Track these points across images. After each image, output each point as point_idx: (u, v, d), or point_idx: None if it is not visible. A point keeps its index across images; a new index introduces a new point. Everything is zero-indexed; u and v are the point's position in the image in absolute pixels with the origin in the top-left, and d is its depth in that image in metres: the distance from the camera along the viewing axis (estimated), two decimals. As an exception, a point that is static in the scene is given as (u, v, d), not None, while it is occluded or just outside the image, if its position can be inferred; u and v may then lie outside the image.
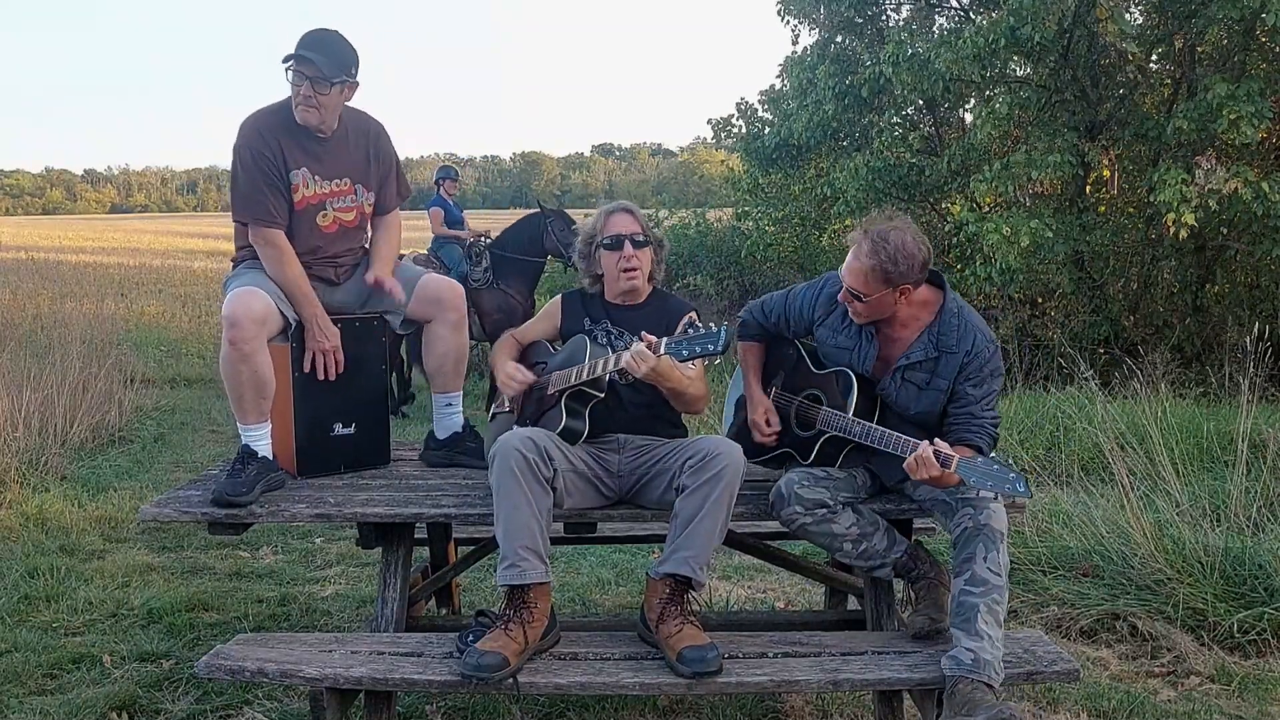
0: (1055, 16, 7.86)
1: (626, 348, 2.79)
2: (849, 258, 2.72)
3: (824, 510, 2.72)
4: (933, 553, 2.90)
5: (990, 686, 2.42)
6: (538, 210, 8.68)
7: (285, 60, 3.03)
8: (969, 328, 2.76)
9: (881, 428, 2.73)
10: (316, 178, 3.17)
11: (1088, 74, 9.04)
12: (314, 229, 3.21)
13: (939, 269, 2.91)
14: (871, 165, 9.56)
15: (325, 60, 3.02)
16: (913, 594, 2.82)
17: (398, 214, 3.46)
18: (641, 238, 3.03)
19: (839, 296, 2.79)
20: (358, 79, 3.14)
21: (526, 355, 3.21)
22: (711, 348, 2.59)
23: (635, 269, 3.01)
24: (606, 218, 3.07)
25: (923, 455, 2.53)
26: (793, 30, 11.30)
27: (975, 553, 2.56)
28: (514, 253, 8.54)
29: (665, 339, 2.66)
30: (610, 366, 2.77)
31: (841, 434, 2.80)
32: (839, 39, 11.04)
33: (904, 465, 2.60)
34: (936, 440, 2.58)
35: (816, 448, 2.86)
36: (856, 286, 2.70)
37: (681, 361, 2.67)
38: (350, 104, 3.24)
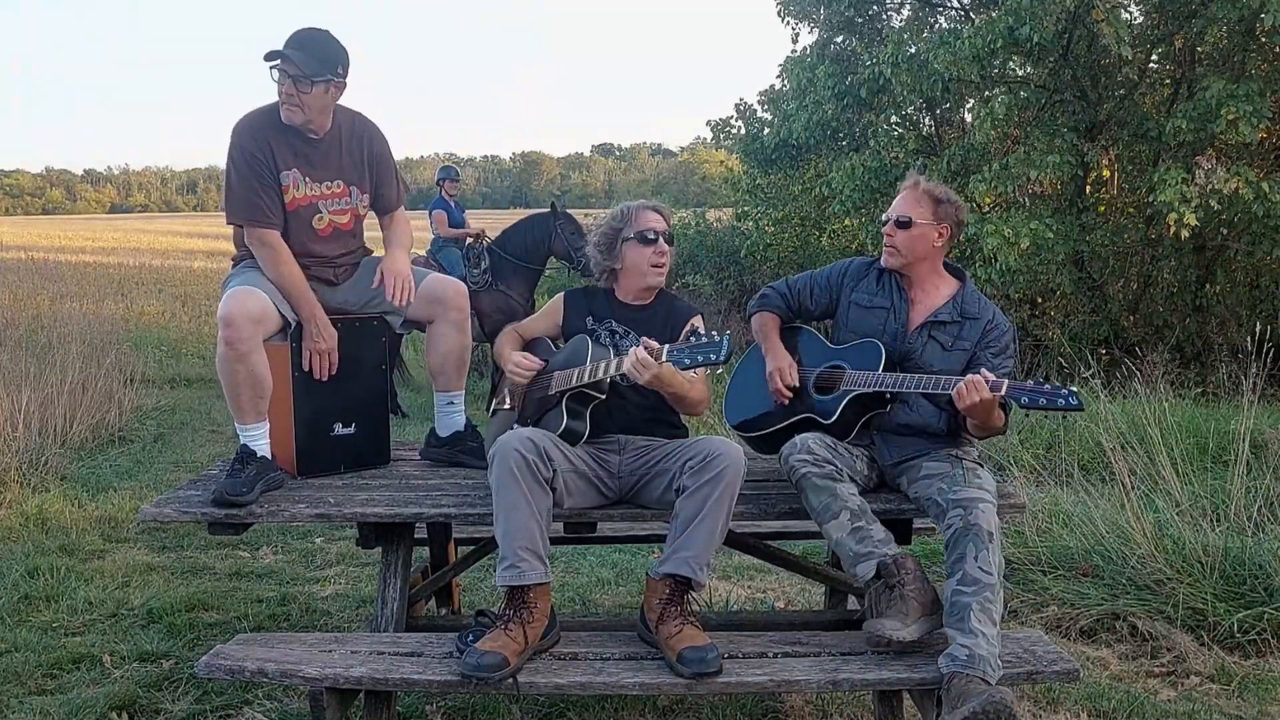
0: (1053, 17, 7.86)
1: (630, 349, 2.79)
2: (898, 198, 2.99)
3: (831, 467, 2.73)
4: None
5: (986, 682, 2.41)
6: (548, 210, 8.69)
7: (267, 58, 3.02)
8: (988, 304, 3.00)
9: (915, 374, 2.80)
10: (308, 180, 3.16)
11: (1087, 74, 9.05)
12: (309, 232, 3.20)
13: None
14: (867, 165, 9.56)
15: (307, 58, 3.00)
16: (884, 597, 2.64)
17: (404, 212, 3.44)
18: (670, 234, 3.08)
19: (884, 230, 2.98)
20: (345, 79, 3.11)
21: (528, 351, 3.21)
22: (714, 357, 2.59)
23: (663, 265, 3.05)
24: (638, 213, 3.06)
25: (973, 379, 2.65)
26: (792, 30, 11.32)
27: (966, 553, 2.56)
28: (517, 252, 8.54)
29: (668, 346, 2.66)
30: (612, 370, 2.77)
31: (872, 388, 2.83)
32: (839, 39, 11.05)
33: (954, 392, 2.67)
34: (982, 370, 2.70)
35: (841, 406, 2.87)
36: (905, 211, 2.93)
37: (683, 370, 2.67)
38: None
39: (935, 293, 2.98)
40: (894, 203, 3.00)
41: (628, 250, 3.04)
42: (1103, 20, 7.80)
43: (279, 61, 3.01)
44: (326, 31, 3.10)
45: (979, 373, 2.69)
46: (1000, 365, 2.87)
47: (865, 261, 3.12)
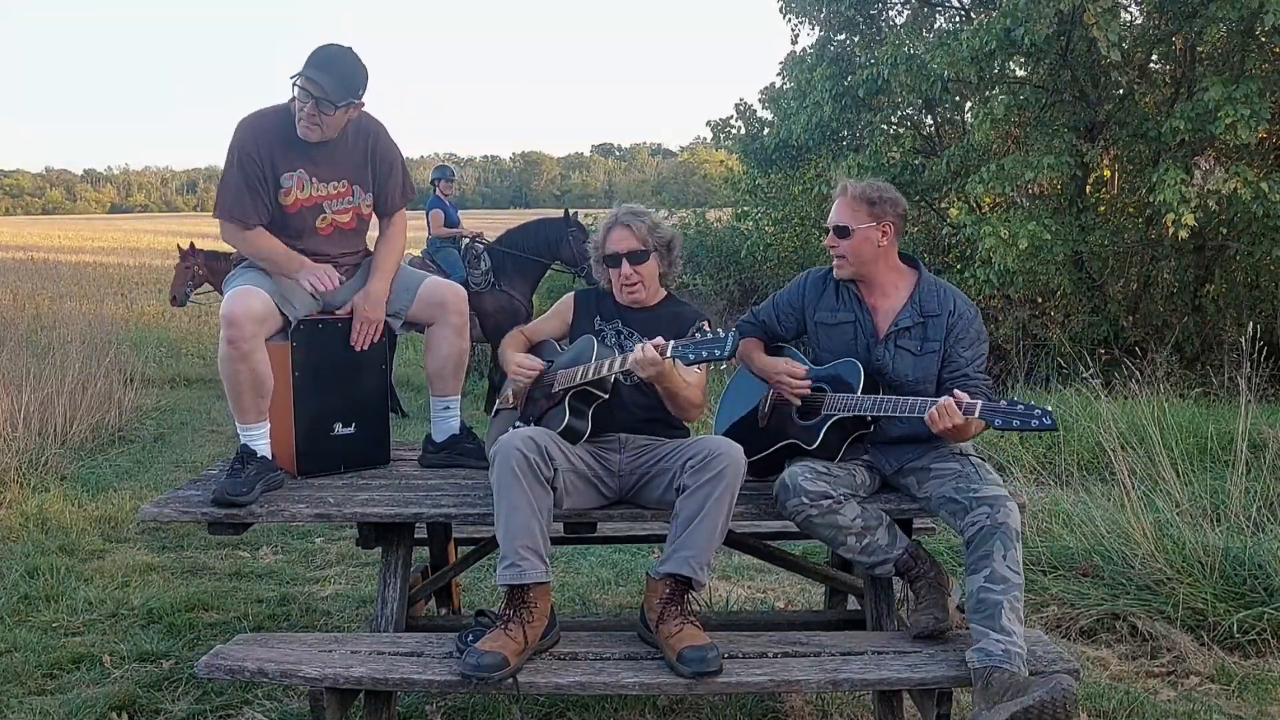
0: (1046, 19, 7.85)
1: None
2: (834, 207, 2.96)
3: (829, 501, 2.73)
4: (932, 553, 2.90)
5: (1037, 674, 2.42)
6: (560, 216, 8.71)
7: (294, 77, 3.00)
8: (948, 293, 2.94)
9: (892, 395, 2.79)
10: (313, 180, 3.17)
11: (1087, 74, 9.03)
12: (311, 233, 3.21)
13: (938, 269, 3.00)
14: (864, 165, 9.55)
15: (332, 83, 2.99)
16: (912, 594, 2.82)
17: (403, 216, 3.42)
18: (640, 250, 3.01)
19: (825, 242, 2.97)
20: (363, 100, 3.11)
21: (534, 353, 3.21)
22: (718, 352, 2.58)
23: (636, 284, 3.02)
24: (606, 232, 3.06)
25: (945, 405, 2.62)
26: (793, 28, 11.29)
27: (993, 550, 2.57)
28: (526, 252, 8.55)
29: (673, 341, 2.67)
30: (616, 368, 2.78)
31: (851, 413, 2.81)
32: (840, 37, 11.03)
33: (926, 418, 2.65)
34: (955, 391, 2.66)
35: (823, 432, 2.85)
36: (842, 219, 2.90)
37: (687, 365, 2.67)
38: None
39: (894, 293, 2.94)
40: (832, 211, 2.97)
41: (601, 267, 3.09)
42: (1094, 23, 7.80)
43: (301, 80, 2.99)
44: (351, 50, 3.06)
45: (952, 391, 2.67)
46: (974, 358, 2.87)
47: (820, 274, 3.08)
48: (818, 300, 3.03)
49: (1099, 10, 7.75)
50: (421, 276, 3.39)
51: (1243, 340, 5.18)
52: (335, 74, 3.01)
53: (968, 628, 2.58)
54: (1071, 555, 4.03)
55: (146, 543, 4.84)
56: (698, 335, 2.64)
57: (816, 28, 11.20)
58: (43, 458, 6.03)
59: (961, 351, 2.87)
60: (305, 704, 2.82)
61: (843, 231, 2.90)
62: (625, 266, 3.00)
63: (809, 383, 2.94)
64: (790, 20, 11.30)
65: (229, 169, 3.11)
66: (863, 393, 2.82)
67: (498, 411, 3.28)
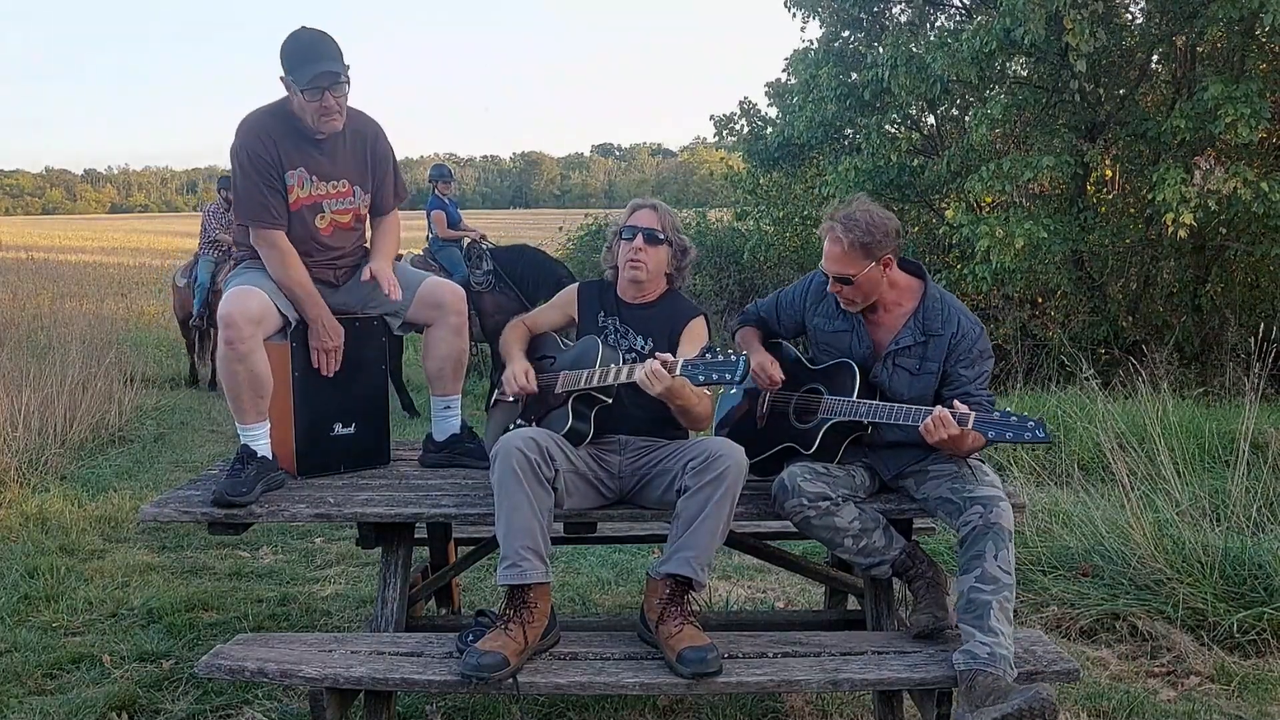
0: (1039, 19, 7.86)
1: (634, 351, 2.78)
2: (826, 249, 2.84)
3: (827, 503, 2.73)
4: (930, 553, 2.90)
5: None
6: (564, 270, 8.59)
7: (314, 80, 2.97)
8: (952, 311, 2.87)
9: (888, 402, 2.77)
10: (314, 178, 3.17)
11: (1088, 74, 9.03)
12: (311, 231, 3.21)
13: (937, 268, 2.99)
14: (859, 168, 9.53)
15: (339, 63, 3.01)
16: (911, 593, 2.82)
17: (396, 215, 3.45)
18: (660, 235, 3.02)
19: (829, 289, 2.88)
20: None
21: (535, 347, 3.21)
22: (729, 376, 2.57)
23: (640, 262, 3.01)
24: (632, 211, 3.09)
25: (939, 416, 2.60)
26: (801, 20, 11.24)
27: (985, 550, 2.57)
28: (516, 279, 8.47)
29: (683, 360, 2.65)
30: (622, 378, 2.77)
31: (847, 417, 2.80)
32: (844, 34, 11.02)
33: (920, 429, 2.63)
34: (953, 401, 2.64)
35: (820, 435, 2.85)
36: (843, 270, 2.81)
37: (697, 385, 2.67)
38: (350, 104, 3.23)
39: (897, 310, 2.89)
40: (826, 253, 2.84)
41: (617, 245, 3.08)
42: (1070, 29, 7.84)
43: (323, 80, 2.98)
44: (319, 30, 3.07)
45: (950, 404, 2.65)
46: (975, 377, 2.82)
47: (824, 279, 2.99)
48: (817, 305, 3.01)
49: (1077, 18, 7.79)
50: (421, 276, 3.39)
51: (1250, 340, 5.18)
52: (335, 56, 3.02)
53: None
54: (1071, 555, 4.03)
55: (146, 543, 4.84)
56: (708, 355, 2.62)
57: (822, 24, 11.16)
58: (43, 458, 6.02)
59: (963, 371, 2.82)
60: (305, 704, 2.82)
61: (846, 280, 2.82)
62: (638, 239, 3.00)
63: (779, 383, 2.95)
64: (795, 14, 11.27)
65: (242, 173, 3.09)
66: (859, 396, 2.81)
67: (496, 403, 3.27)
